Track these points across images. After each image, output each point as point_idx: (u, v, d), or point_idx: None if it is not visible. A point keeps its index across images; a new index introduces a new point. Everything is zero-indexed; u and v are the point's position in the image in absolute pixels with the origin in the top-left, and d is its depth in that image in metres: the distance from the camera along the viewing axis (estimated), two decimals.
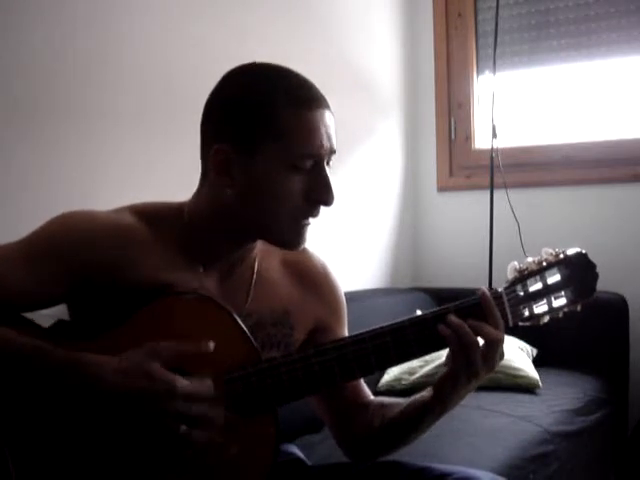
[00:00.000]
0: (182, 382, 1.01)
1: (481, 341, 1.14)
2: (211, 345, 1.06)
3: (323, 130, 1.12)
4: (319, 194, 1.13)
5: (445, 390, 1.19)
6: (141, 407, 1.00)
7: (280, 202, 1.12)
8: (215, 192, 1.15)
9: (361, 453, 1.33)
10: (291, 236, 1.16)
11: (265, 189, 1.12)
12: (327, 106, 1.14)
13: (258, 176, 1.12)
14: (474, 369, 1.14)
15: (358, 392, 1.32)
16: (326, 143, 1.13)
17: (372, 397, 1.34)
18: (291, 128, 1.10)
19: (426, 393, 1.22)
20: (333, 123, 1.15)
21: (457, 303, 1.16)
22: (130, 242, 1.13)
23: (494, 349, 1.14)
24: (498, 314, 1.15)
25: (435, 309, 1.17)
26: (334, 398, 1.31)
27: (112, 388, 1.00)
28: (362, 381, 1.33)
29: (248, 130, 1.11)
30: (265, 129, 1.10)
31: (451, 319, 1.14)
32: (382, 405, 1.31)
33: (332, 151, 1.15)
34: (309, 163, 1.12)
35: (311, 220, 1.16)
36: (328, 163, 1.15)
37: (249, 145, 1.11)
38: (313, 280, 1.30)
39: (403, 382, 2.32)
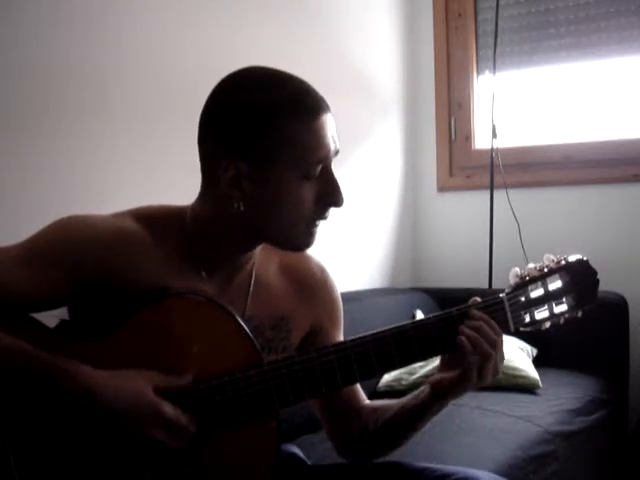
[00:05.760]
0: (169, 410, 1.04)
1: None
2: None
3: (329, 134, 1.13)
4: (331, 197, 1.14)
5: (444, 390, 1.18)
6: (122, 424, 1.02)
7: (294, 211, 1.13)
8: (224, 204, 1.14)
9: (356, 455, 1.33)
10: (303, 240, 1.17)
11: (279, 200, 1.12)
12: (328, 107, 1.15)
13: (271, 188, 1.11)
14: (487, 367, 1.14)
15: (354, 396, 1.32)
16: (333, 146, 1.14)
17: (367, 401, 1.34)
18: (302, 139, 1.10)
19: (420, 394, 1.22)
20: (334, 123, 1.15)
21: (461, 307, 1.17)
22: (130, 247, 1.13)
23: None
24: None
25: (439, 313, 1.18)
26: (330, 401, 1.31)
27: (101, 401, 1.01)
28: (358, 385, 1.32)
29: (259, 145, 1.10)
30: (276, 142, 1.10)
31: (473, 323, 1.14)
32: (375, 409, 1.31)
33: (337, 152, 1.16)
34: (319, 169, 1.13)
35: (321, 222, 1.17)
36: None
37: (261, 159, 1.10)
38: (310, 284, 1.30)
39: (403, 382, 2.31)
